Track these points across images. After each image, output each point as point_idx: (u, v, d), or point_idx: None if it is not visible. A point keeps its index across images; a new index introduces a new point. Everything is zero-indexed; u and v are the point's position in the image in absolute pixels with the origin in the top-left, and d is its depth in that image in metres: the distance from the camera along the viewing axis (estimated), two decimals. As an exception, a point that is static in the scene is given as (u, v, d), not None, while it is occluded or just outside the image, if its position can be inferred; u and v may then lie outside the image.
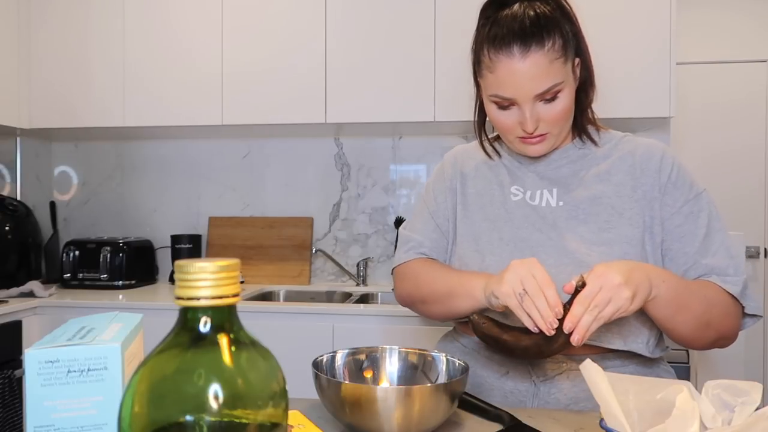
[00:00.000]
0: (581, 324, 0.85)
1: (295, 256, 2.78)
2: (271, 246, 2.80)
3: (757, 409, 0.67)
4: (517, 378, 1.03)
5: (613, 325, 0.98)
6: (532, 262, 0.90)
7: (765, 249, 3.50)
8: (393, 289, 1.23)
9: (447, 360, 0.91)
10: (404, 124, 2.49)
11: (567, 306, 0.87)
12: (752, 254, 3.48)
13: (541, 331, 0.87)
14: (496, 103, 1.03)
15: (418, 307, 1.15)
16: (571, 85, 1.02)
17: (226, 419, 0.41)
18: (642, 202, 1.04)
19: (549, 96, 0.99)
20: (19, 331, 2.19)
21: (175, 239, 2.74)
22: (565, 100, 1.01)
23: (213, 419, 0.41)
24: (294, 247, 2.79)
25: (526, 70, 0.96)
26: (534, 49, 0.96)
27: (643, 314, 0.97)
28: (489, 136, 1.17)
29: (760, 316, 1.04)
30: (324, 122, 2.46)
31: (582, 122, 1.09)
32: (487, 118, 1.10)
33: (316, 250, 2.78)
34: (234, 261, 0.43)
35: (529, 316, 0.87)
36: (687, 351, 1.98)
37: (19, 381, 2.13)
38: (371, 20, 2.42)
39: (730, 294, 0.99)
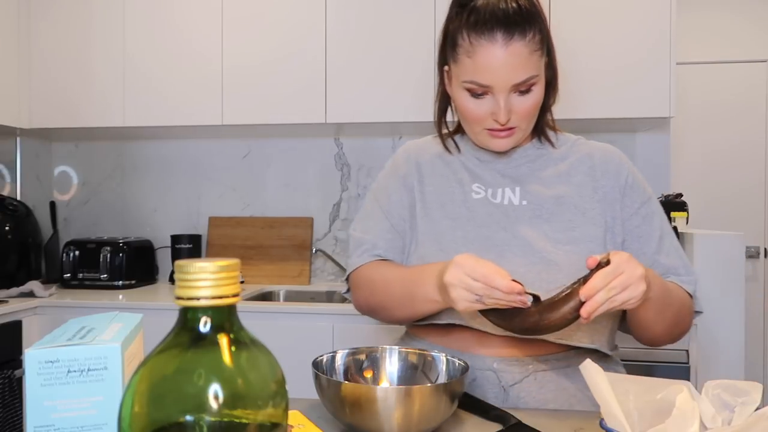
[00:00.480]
0: (596, 298, 0.83)
1: (295, 256, 2.78)
2: (271, 246, 2.80)
3: (757, 409, 0.67)
4: (485, 385, 1.00)
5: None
6: (465, 264, 0.87)
7: (765, 249, 3.50)
8: (347, 296, 1.17)
9: (447, 360, 0.90)
10: (404, 124, 2.49)
11: (583, 280, 0.85)
12: (752, 254, 3.48)
13: (535, 307, 0.86)
14: (469, 90, 1.01)
15: (380, 314, 1.10)
16: (543, 81, 1.03)
17: (226, 419, 0.41)
18: (603, 203, 1.06)
19: (524, 88, 0.99)
20: (19, 331, 2.19)
21: (175, 239, 2.74)
22: (538, 94, 1.02)
23: (213, 419, 0.41)
24: (294, 247, 2.79)
25: (507, 58, 0.96)
26: (516, 38, 0.96)
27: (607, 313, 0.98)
28: (448, 131, 1.16)
29: (701, 312, 1.08)
30: (324, 122, 2.46)
31: (542, 123, 1.11)
32: (449, 112, 1.11)
33: (316, 250, 2.78)
34: (234, 261, 0.43)
35: (500, 306, 0.87)
36: (687, 351, 1.98)
37: (19, 381, 2.13)
38: (371, 20, 2.42)
39: (687, 292, 1.03)
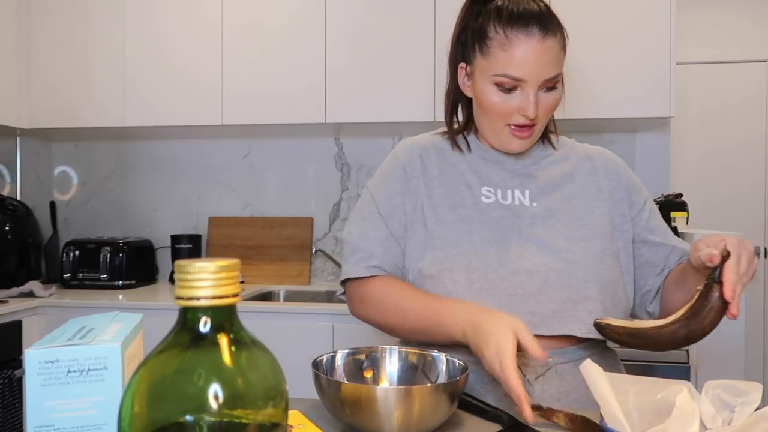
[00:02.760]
0: (737, 293, 0.84)
1: (295, 256, 2.78)
2: (271, 246, 2.80)
3: (757, 409, 0.67)
4: None
5: (581, 312, 1.00)
6: (504, 334, 0.86)
7: (765, 249, 3.50)
8: (342, 297, 1.15)
9: (447, 360, 0.90)
10: (404, 124, 2.49)
11: (712, 282, 0.85)
12: (752, 254, 3.47)
13: (685, 315, 0.87)
14: (499, 84, 1.01)
15: (385, 330, 1.09)
16: (562, 81, 1.06)
17: (226, 419, 0.41)
18: (608, 202, 1.09)
19: (551, 84, 1.02)
20: (19, 331, 2.19)
21: (175, 239, 2.74)
22: (560, 92, 1.05)
23: (213, 419, 0.41)
24: (294, 247, 2.79)
25: (543, 53, 0.99)
26: (551, 34, 0.99)
27: (603, 300, 1.01)
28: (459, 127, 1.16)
29: None
30: (324, 122, 2.46)
31: (546, 126, 1.13)
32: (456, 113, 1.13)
33: (316, 250, 2.78)
34: (234, 261, 0.43)
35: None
36: (687, 351, 1.98)
37: (19, 381, 2.13)
38: (371, 20, 2.42)
39: None
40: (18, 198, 2.80)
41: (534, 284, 1.00)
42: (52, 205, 2.93)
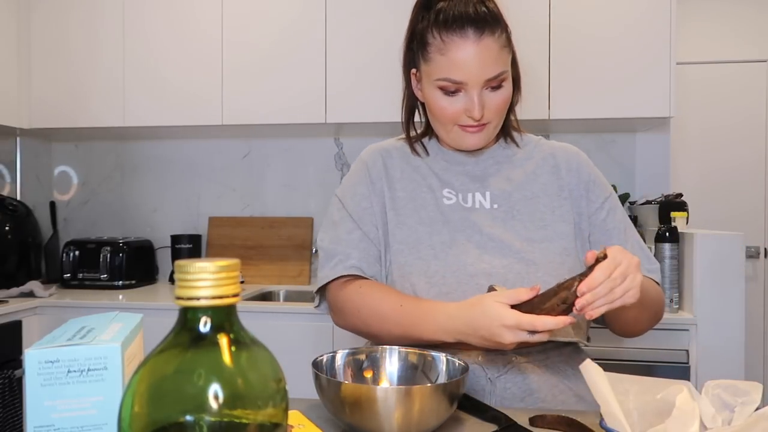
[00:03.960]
0: (597, 291, 0.83)
1: (295, 256, 2.78)
2: (271, 246, 2.80)
3: (757, 409, 0.67)
4: (473, 377, 1.00)
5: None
6: (508, 323, 0.86)
7: (765, 249, 3.50)
8: (318, 310, 1.14)
9: (447, 360, 0.90)
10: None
11: (582, 276, 0.85)
12: (752, 254, 3.48)
13: (541, 296, 0.87)
14: (442, 88, 1.02)
15: (369, 338, 1.09)
16: (511, 78, 1.06)
17: (226, 419, 0.41)
18: (569, 200, 1.09)
19: (495, 84, 1.02)
20: (19, 331, 2.19)
21: (175, 239, 2.74)
22: (508, 90, 1.05)
23: (213, 419, 0.41)
24: (294, 247, 2.79)
25: (480, 54, 0.99)
26: (487, 34, 0.99)
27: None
28: (416, 133, 1.17)
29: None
30: (324, 122, 2.46)
31: (507, 124, 1.13)
32: (415, 114, 1.14)
33: (316, 250, 2.78)
34: (234, 261, 0.43)
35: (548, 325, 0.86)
36: (687, 351, 1.98)
37: (19, 381, 2.13)
38: (371, 20, 2.42)
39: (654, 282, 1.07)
40: (18, 198, 2.80)
41: None
42: (52, 205, 2.94)
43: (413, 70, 1.10)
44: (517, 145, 1.15)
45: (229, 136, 2.87)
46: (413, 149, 1.15)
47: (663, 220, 2.17)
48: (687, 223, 2.25)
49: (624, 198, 2.53)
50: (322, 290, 1.11)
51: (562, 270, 1.01)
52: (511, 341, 0.87)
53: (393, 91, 2.42)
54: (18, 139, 2.84)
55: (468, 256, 1.03)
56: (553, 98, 2.29)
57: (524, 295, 0.87)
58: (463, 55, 0.99)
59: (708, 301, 2.00)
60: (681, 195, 2.35)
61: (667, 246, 2.05)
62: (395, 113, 2.52)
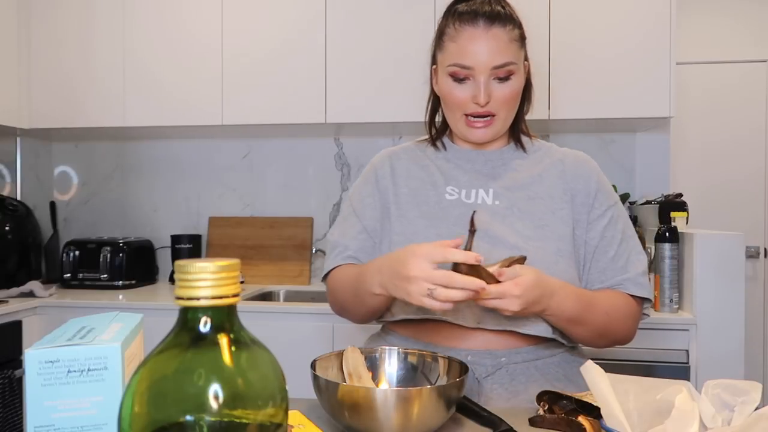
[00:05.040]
0: (491, 292, 0.90)
1: (295, 256, 2.78)
2: (271, 246, 2.80)
3: (756, 408, 0.67)
4: None
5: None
6: (418, 253, 0.90)
7: (765, 249, 3.50)
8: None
9: (447, 361, 0.90)
10: (404, 124, 2.49)
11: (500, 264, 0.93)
12: (752, 254, 3.48)
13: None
14: (452, 74, 1.07)
15: (345, 314, 1.16)
16: (521, 76, 1.10)
17: (226, 419, 0.41)
18: (572, 204, 1.11)
19: (503, 74, 1.06)
20: (19, 331, 2.19)
21: (175, 239, 2.74)
22: (516, 84, 1.08)
23: (213, 419, 0.41)
24: (294, 247, 2.79)
25: (488, 41, 1.04)
26: (497, 25, 1.05)
27: None
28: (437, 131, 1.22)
29: (648, 315, 1.15)
30: (324, 122, 2.46)
31: (518, 129, 1.17)
32: (437, 115, 1.20)
33: (316, 250, 2.78)
34: (234, 261, 0.43)
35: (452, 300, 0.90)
36: (687, 351, 1.98)
37: (19, 381, 2.13)
38: (371, 20, 2.42)
39: (637, 297, 1.09)
40: (18, 198, 2.80)
41: None
42: (52, 205, 2.93)
43: (433, 66, 1.16)
44: (526, 151, 1.18)
45: (229, 137, 2.87)
46: (434, 145, 1.19)
47: (663, 220, 2.17)
48: (687, 223, 2.25)
49: (624, 198, 2.52)
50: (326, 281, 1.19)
51: (556, 270, 1.03)
52: (415, 275, 0.89)
53: (393, 91, 2.43)
54: (18, 139, 2.84)
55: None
56: (553, 98, 2.29)
57: (449, 246, 0.90)
58: (472, 41, 1.05)
59: (708, 301, 2.00)
60: (681, 195, 2.35)
61: (667, 246, 2.05)
62: (395, 113, 2.54)
